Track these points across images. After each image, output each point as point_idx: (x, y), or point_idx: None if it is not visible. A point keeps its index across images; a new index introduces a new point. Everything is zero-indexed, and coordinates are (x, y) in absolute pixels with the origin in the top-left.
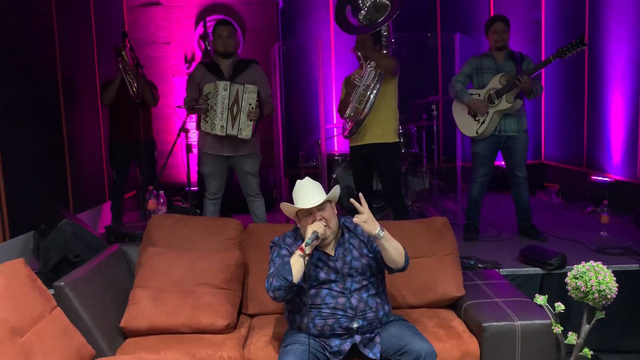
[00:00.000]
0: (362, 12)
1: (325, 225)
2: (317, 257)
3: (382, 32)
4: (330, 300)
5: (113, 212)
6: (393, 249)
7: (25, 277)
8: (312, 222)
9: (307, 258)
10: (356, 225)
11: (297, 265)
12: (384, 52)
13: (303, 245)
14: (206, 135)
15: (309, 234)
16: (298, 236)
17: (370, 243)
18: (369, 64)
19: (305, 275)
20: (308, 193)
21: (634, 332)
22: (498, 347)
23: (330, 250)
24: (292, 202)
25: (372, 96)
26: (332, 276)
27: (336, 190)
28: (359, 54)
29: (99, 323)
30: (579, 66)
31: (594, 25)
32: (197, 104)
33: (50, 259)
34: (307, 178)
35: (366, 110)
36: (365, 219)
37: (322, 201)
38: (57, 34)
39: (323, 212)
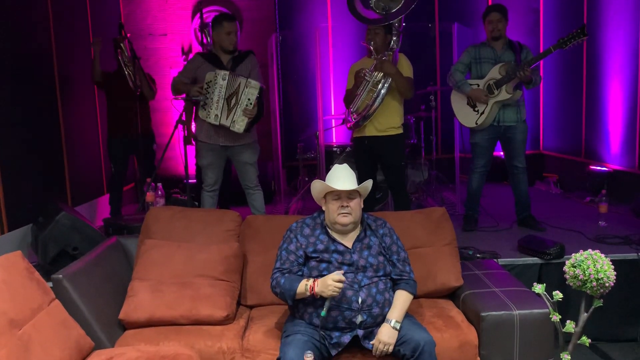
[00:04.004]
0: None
1: (349, 213)
2: (332, 249)
3: (393, 21)
4: None
5: (111, 204)
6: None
7: (23, 270)
8: (338, 215)
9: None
10: (378, 226)
11: (302, 296)
12: (394, 38)
13: (322, 312)
14: (203, 124)
15: (325, 295)
16: (317, 225)
17: (389, 251)
18: (380, 58)
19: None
20: (343, 178)
21: (631, 321)
22: (496, 336)
23: (348, 242)
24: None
25: (382, 91)
26: (344, 268)
27: (368, 183)
28: (382, 68)
29: (97, 315)
30: (578, 56)
31: (593, 14)
32: (191, 94)
33: (48, 252)
34: (345, 164)
35: (375, 105)
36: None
37: (354, 187)
38: (52, 26)
39: (350, 201)
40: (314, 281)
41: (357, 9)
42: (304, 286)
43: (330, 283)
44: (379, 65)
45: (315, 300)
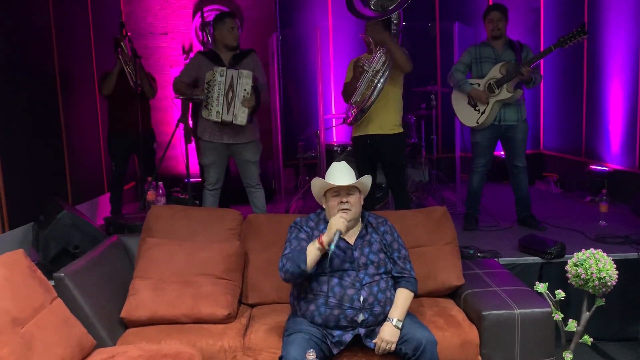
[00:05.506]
0: None
1: (346, 214)
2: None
3: (392, 19)
4: (338, 290)
5: (112, 203)
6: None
7: (25, 268)
8: (338, 211)
9: (329, 252)
10: (379, 224)
11: (312, 255)
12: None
13: (329, 247)
14: (206, 122)
15: (332, 232)
16: (320, 220)
17: (390, 248)
18: (379, 49)
19: (326, 266)
20: (342, 174)
21: (632, 321)
22: (498, 335)
23: (350, 239)
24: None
25: (379, 83)
26: (346, 265)
27: (366, 179)
28: (372, 39)
29: (99, 313)
30: (578, 55)
31: (593, 13)
32: (192, 94)
33: (49, 250)
34: (343, 162)
35: (373, 97)
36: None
37: (352, 183)
38: (53, 25)
39: (350, 197)
40: (319, 236)
41: (355, 7)
42: (312, 245)
43: (337, 214)
44: (379, 38)
45: (317, 299)
